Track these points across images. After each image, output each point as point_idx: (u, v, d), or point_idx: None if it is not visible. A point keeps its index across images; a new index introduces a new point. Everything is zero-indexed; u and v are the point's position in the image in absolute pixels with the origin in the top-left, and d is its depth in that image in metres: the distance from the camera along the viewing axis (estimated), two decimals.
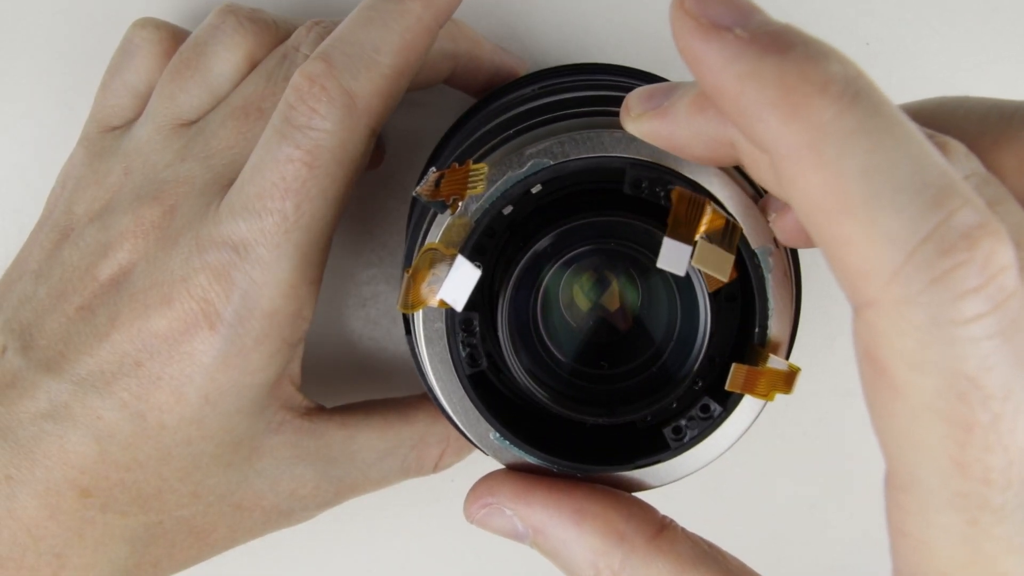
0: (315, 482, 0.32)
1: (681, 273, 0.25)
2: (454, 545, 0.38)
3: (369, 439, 0.32)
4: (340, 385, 0.37)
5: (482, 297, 0.27)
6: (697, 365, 0.27)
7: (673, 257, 0.25)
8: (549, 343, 0.28)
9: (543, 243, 0.26)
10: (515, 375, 0.27)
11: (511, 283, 0.26)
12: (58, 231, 0.31)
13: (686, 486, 0.38)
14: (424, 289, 0.25)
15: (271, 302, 0.29)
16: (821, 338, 0.37)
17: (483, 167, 0.25)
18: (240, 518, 0.31)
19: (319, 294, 0.31)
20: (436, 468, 0.34)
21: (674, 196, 0.25)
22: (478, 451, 0.34)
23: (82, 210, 0.31)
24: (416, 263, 0.25)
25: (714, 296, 0.27)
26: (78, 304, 0.30)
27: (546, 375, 0.27)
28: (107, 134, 0.33)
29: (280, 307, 0.29)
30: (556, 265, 0.27)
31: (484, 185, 0.25)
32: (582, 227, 0.26)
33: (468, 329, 0.26)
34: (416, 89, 0.33)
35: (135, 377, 0.29)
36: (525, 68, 0.35)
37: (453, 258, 0.25)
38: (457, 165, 0.25)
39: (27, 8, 0.37)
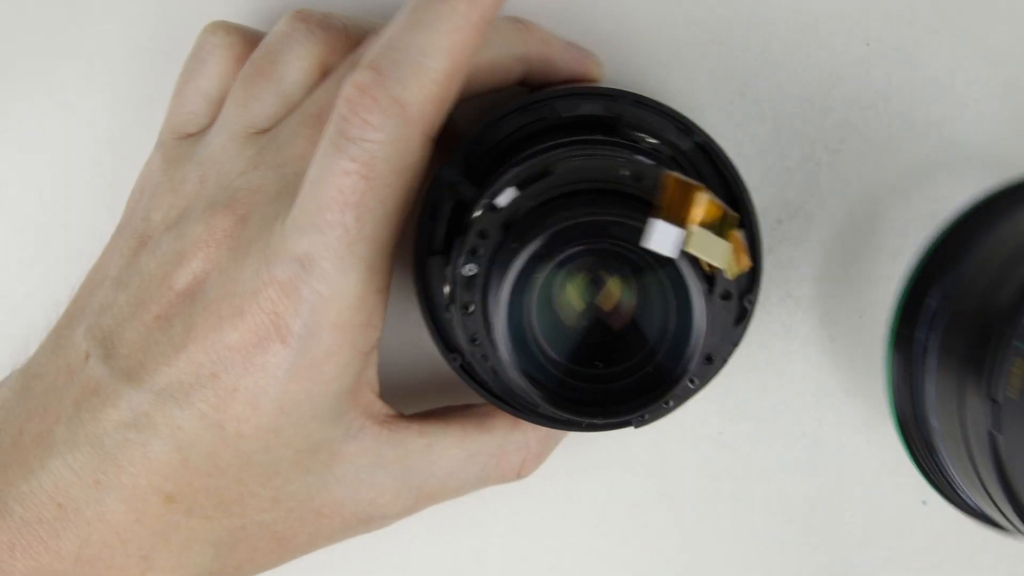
0: (394, 491, 0.32)
1: (671, 255, 0.25)
2: (454, 545, 0.38)
3: (447, 448, 0.33)
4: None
5: (477, 298, 0.27)
6: (692, 364, 0.27)
7: (661, 238, 0.25)
8: (544, 343, 0.28)
9: (537, 244, 0.26)
10: (510, 376, 0.27)
11: (506, 285, 0.26)
12: (136, 238, 0.32)
13: (684, 486, 0.38)
14: None
15: (339, 315, 0.29)
16: (821, 338, 0.37)
17: None
18: (320, 524, 0.32)
19: (393, 302, 0.31)
20: (519, 475, 0.34)
21: (665, 180, 0.25)
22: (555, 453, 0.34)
23: (159, 217, 0.32)
24: None
25: (708, 294, 0.27)
26: (156, 313, 0.30)
27: (541, 375, 0.27)
28: (182, 141, 0.33)
29: (348, 319, 0.29)
30: (550, 266, 0.27)
31: None
32: (575, 227, 0.26)
33: None
34: (488, 92, 0.33)
35: (212, 389, 0.29)
36: (598, 65, 0.35)
37: None
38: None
39: (27, 8, 0.37)
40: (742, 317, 0.30)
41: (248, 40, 0.33)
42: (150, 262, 0.31)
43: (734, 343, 0.30)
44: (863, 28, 0.36)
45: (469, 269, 0.27)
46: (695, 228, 0.25)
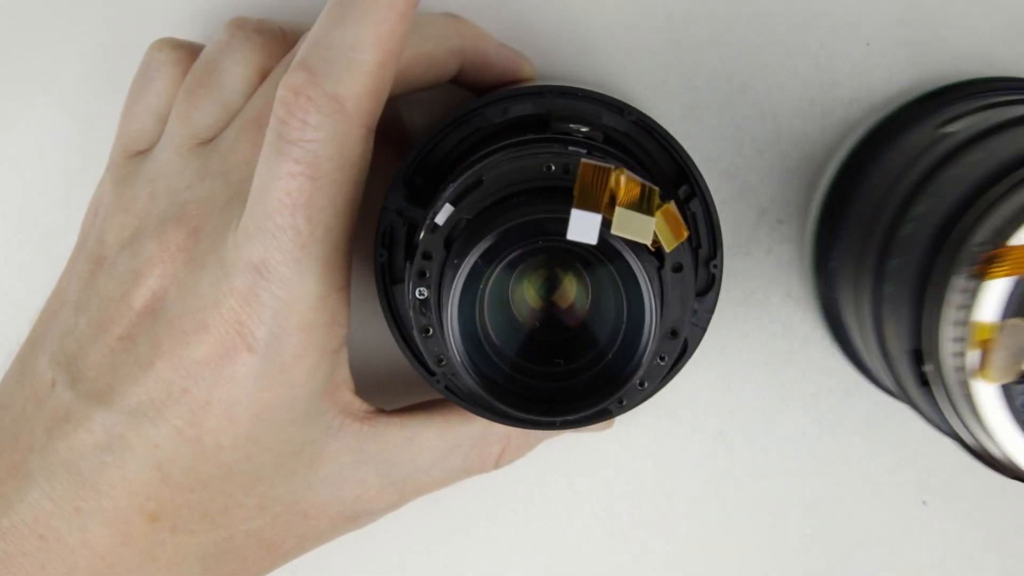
0: (379, 486, 0.32)
1: (591, 242, 0.25)
2: (454, 544, 0.38)
3: (429, 439, 0.33)
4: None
5: (434, 320, 0.28)
6: (648, 344, 0.26)
7: (579, 227, 0.25)
8: (503, 348, 0.28)
9: (474, 256, 0.26)
10: (462, 376, 0.27)
11: (452, 301, 0.26)
12: (92, 260, 0.32)
13: (684, 486, 0.38)
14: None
15: (302, 316, 0.29)
16: (821, 338, 0.37)
17: None
18: (308, 526, 0.32)
19: (367, 300, 0.31)
20: (497, 464, 0.34)
21: (582, 168, 0.25)
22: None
23: (113, 238, 0.32)
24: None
25: (659, 270, 0.26)
26: (118, 334, 0.30)
27: (502, 380, 0.27)
28: (132, 159, 0.33)
29: (312, 320, 0.29)
30: (494, 275, 0.27)
31: None
32: (508, 232, 0.26)
33: None
34: (425, 88, 0.33)
35: (184, 404, 0.29)
36: (530, 66, 0.35)
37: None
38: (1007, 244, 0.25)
39: (30, 10, 0.37)
40: (711, 285, 0.30)
41: (195, 55, 0.33)
42: (107, 283, 0.31)
43: (709, 311, 0.30)
44: (863, 28, 0.36)
45: (420, 293, 0.27)
46: (618, 209, 0.25)
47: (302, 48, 0.28)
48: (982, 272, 0.25)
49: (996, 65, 0.36)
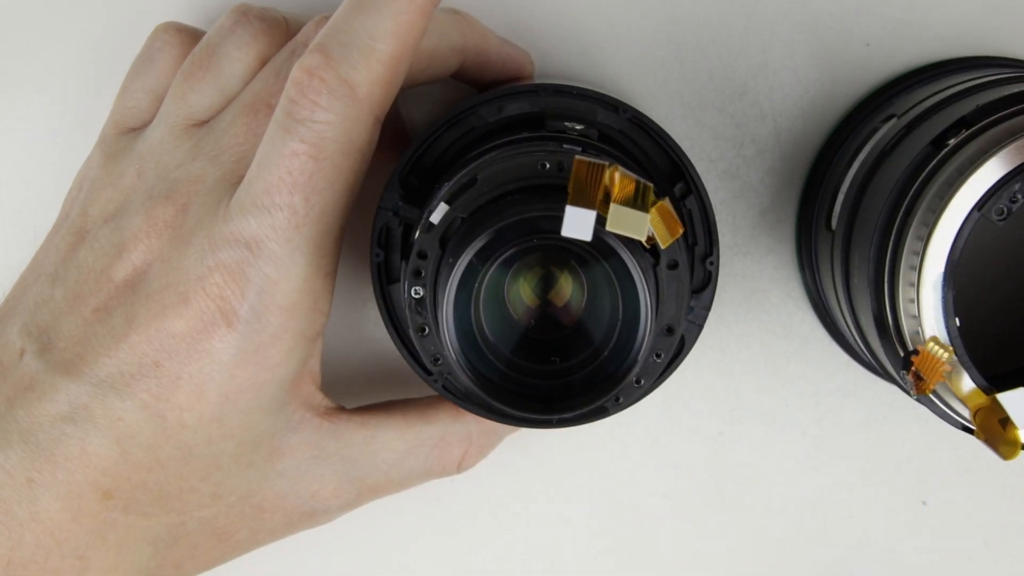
0: (336, 483, 0.32)
1: (586, 238, 0.25)
2: (453, 544, 0.38)
3: (389, 439, 0.32)
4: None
5: (430, 319, 0.28)
6: (644, 341, 0.26)
7: (574, 224, 0.25)
8: (499, 347, 0.28)
9: (469, 255, 0.26)
10: (458, 375, 0.27)
11: (448, 300, 0.26)
12: (74, 233, 0.32)
13: (685, 484, 0.38)
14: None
15: (286, 297, 0.29)
16: (821, 338, 0.37)
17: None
18: (262, 520, 0.32)
19: (337, 295, 0.31)
20: (459, 468, 0.34)
21: (574, 164, 0.25)
22: (498, 449, 0.34)
23: (97, 212, 0.32)
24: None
25: (654, 267, 0.26)
26: (94, 306, 0.30)
27: (499, 378, 0.27)
28: (123, 136, 0.33)
29: (296, 301, 0.29)
30: (489, 274, 0.27)
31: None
32: (503, 230, 0.26)
33: None
34: (424, 83, 0.33)
35: (154, 378, 0.29)
36: (531, 62, 0.35)
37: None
38: (921, 348, 0.27)
39: (29, 9, 0.37)
40: (707, 282, 0.30)
41: (197, 40, 0.33)
42: (88, 256, 0.31)
43: (705, 308, 0.30)
44: (863, 28, 0.36)
45: (416, 292, 0.28)
46: (613, 206, 0.25)
47: (320, 33, 0.28)
48: (919, 388, 0.27)
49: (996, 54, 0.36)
